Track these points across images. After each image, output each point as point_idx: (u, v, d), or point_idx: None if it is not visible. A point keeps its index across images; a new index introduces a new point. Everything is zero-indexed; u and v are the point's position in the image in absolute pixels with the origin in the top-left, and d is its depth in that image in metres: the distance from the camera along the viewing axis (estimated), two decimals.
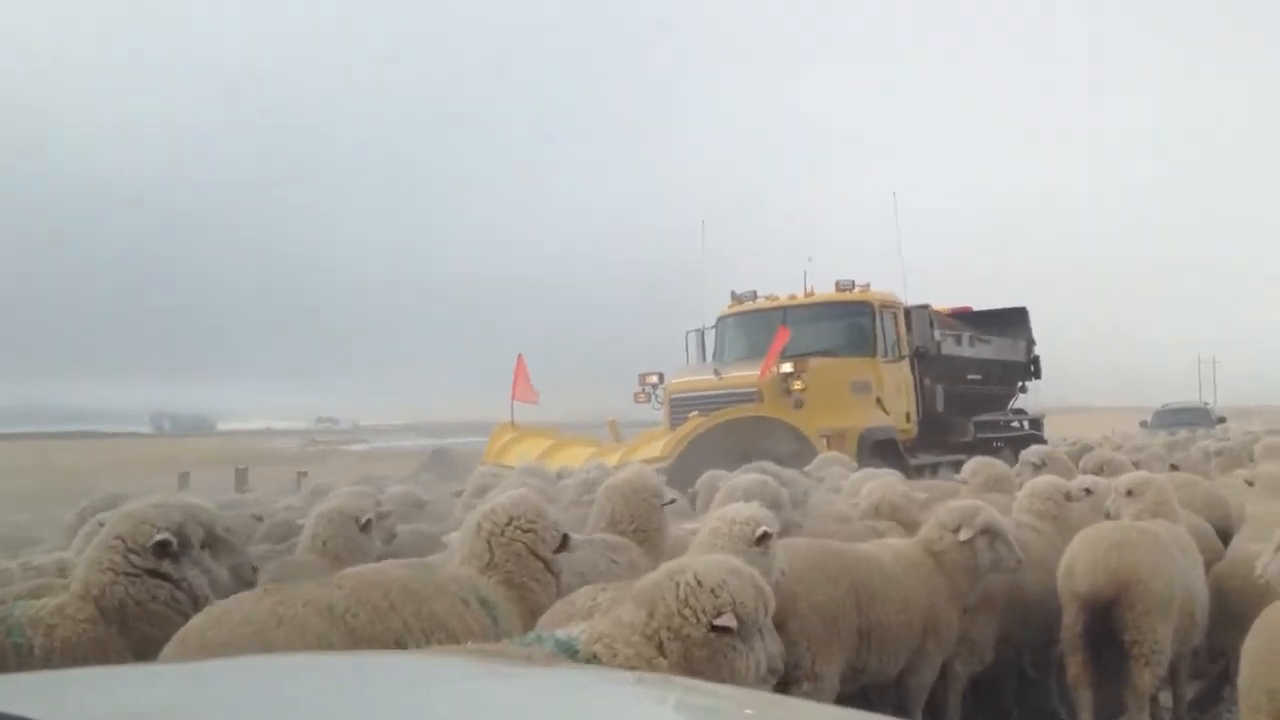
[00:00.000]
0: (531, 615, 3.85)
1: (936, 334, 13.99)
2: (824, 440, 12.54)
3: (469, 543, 4.29)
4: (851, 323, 14.21)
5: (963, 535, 5.39)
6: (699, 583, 2.93)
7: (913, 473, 14.07)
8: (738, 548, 4.17)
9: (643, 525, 5.24)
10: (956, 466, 15.75)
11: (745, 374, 12.80)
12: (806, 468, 8.78)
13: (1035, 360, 18.75)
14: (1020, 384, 18.82)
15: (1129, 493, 6.51)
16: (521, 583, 4.22)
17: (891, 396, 13.90)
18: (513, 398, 12.63)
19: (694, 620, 2.88)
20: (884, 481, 7.92)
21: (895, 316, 14.37)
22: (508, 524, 4.25)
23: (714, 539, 4.32)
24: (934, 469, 15.05)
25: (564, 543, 4.38)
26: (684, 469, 10.97)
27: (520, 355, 12.82)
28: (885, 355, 14.01)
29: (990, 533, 5.51)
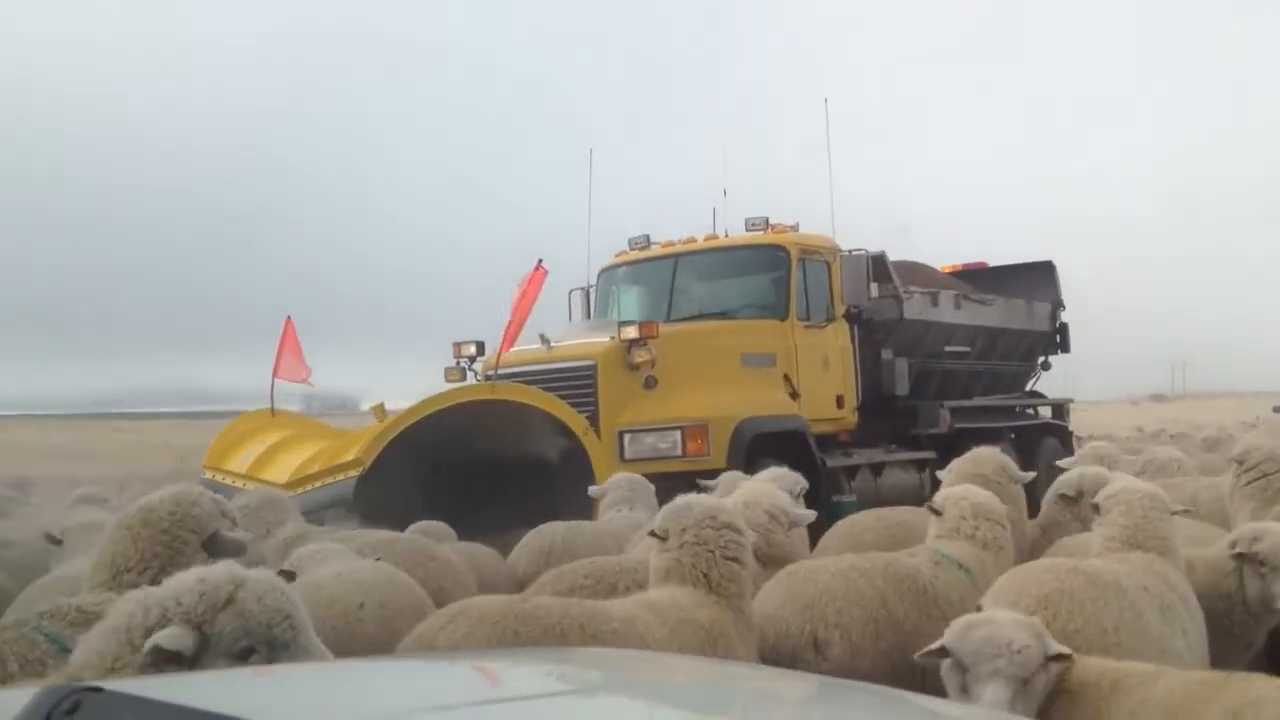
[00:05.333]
0: None
1: (874, 289, 9.92)
2: (679, 433, 8.89)
3: None
4: (756, 274, 10.31)
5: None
6: None
7: (839, 477, 10.22)
8: None
9: None
10: (919, 467, 11.80)
11: (581, 342, 9.02)
12: None
13: (1062, 329, 14.46)
14: (1042, 359, 14.45)
15: (1095, 508, 4.53)
16: None
17: (813, 373, 10.26)
18: (274, 374, 9.12)
19: None
20: (751, 487, 5.53)
21: (829, 267, 10.43)
22: None
23: None
24: (878, 470, 10.98)
25: None
26: (387, 480, 7.23)
27: (288, 319, 9.31)
28: (805, 317, 10.07)
29: None
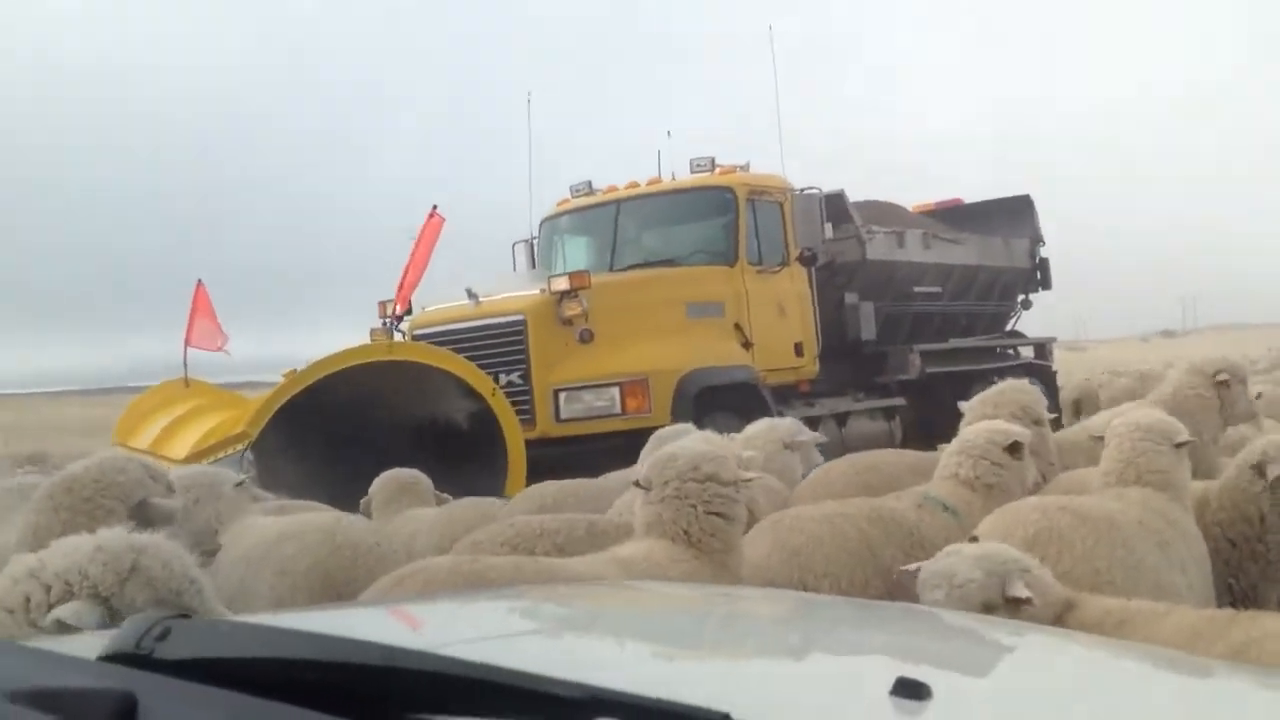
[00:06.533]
0: None
1: (829, 230, 9.22)
2: (617, 389, 8.39)
3: None
4: (701, 218, 9.62)
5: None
6: None
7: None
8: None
9: None
10: (888, 415, 11.19)
11: (509, 296, 8.38)
12: None
13: (1042, 265, 13.72)
14: (1022, 298, 13.73)
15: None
16: None
17: (767, 321, 9.62)
18: (186, 343, 8.48)
19: None
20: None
21: (782, 208, 9.70)
22: None
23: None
24: (843, 420, 10.39)
25: None
26: (279, 452, 6.64)
27: (200, 282, 8.64)
28: (757, 262, 9.39)
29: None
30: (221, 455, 6.78)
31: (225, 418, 7.68)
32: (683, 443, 3.81)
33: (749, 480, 3.69)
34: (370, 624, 1.78)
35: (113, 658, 1.16)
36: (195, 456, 7.11)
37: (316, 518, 4.25)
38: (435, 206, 7.17)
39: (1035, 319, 14.59)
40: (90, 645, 1.22)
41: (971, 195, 14.78)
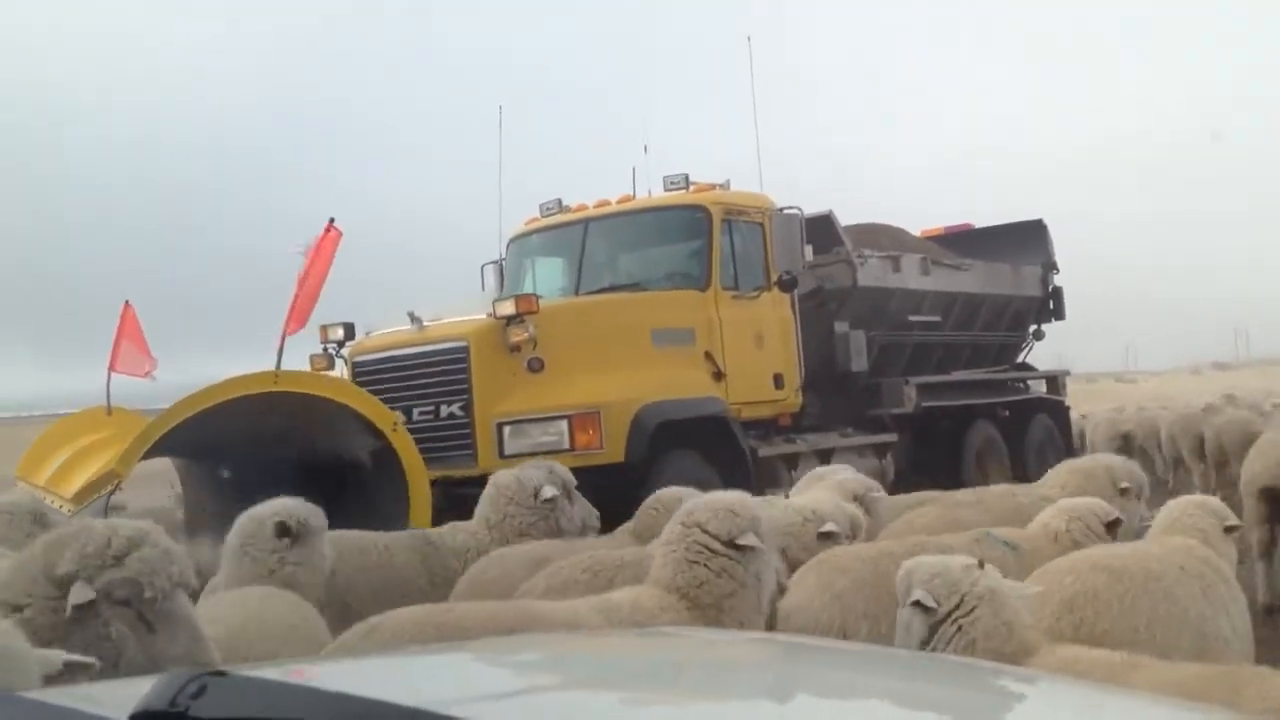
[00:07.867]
0: None
1: (809, 252, 8.41)
2: (566, 422, 7.71)
3: None
4: (672, 238, 8.87)
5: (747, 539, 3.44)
6: None
7: (776, 466, 8.90)
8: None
9: None
10: (879, 451, 10.32)
11: (453, 321, 7.69)
12: None
13: (1055, 294, 12.78)
14: (1033, 328, 12.80)
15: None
16: None
17: (742, 350, 8.99)
18: (110, 368, 7.82)
19: None
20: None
21: (763, 229, 8.93)
22: None
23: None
24: (827, 457, 9.60)
25: None
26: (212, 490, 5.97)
27: (127, 303, 7.97)
28: (733, 286, 8.58)
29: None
30: (96, 497, 6.07)
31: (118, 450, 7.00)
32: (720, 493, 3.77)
33: (746, 547, 3.38)
34: (390, 678, 1.73)
35: (144, 716, 1.14)
36: (80, 495, 6.43)
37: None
38: (332, 220, 6.45)
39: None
40: (123, 700, 1.18)
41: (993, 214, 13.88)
